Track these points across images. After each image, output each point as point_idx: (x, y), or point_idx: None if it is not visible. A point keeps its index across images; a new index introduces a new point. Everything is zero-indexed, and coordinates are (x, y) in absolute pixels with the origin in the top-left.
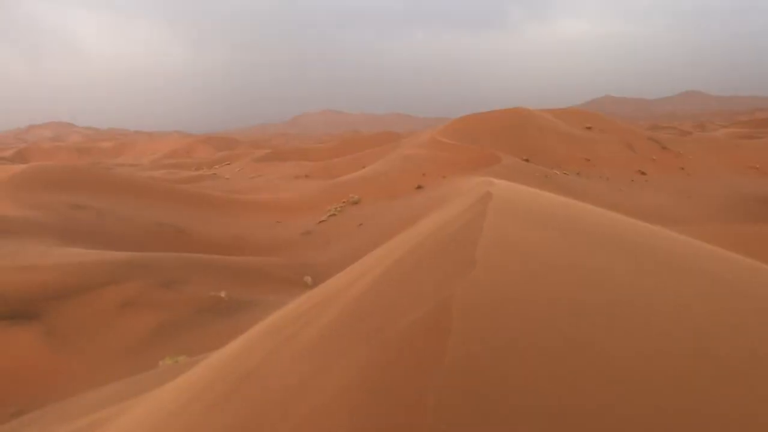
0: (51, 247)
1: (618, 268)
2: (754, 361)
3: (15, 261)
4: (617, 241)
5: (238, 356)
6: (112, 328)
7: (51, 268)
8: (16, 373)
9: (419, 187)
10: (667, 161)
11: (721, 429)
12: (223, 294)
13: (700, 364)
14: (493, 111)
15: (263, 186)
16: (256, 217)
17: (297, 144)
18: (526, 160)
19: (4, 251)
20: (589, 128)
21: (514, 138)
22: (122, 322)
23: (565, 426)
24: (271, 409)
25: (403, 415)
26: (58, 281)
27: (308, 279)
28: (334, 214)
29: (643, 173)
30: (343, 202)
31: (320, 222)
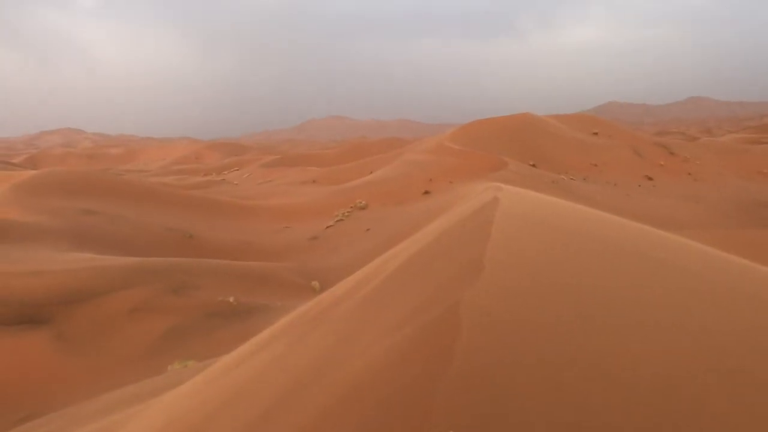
0: (61, 253)
1: (626, 275)
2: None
3: (26, 266)
4: (625, 248)
5: (245, 359)
6: (122, 333)
7: (61, 274)
8: (27, 378)
9: (426, 193)
10: (675, 166)
11: None
12: (231, 299)
13: (712, 378)
14: (500, 117)
15: (271, 191)
16: (264, 223)
17: (304, 150)
18: (533, 166)
19: (15, 256)
20: (595, 134)
21: (521, 143)
22: (132, 327)
23: None
24: (277, 409)
25: (411, 418)
26: (68, 286)
27: (316, 284)
28: (342, 220)
29: (650, 178)
30: (351, 207)
31: (328, 227)
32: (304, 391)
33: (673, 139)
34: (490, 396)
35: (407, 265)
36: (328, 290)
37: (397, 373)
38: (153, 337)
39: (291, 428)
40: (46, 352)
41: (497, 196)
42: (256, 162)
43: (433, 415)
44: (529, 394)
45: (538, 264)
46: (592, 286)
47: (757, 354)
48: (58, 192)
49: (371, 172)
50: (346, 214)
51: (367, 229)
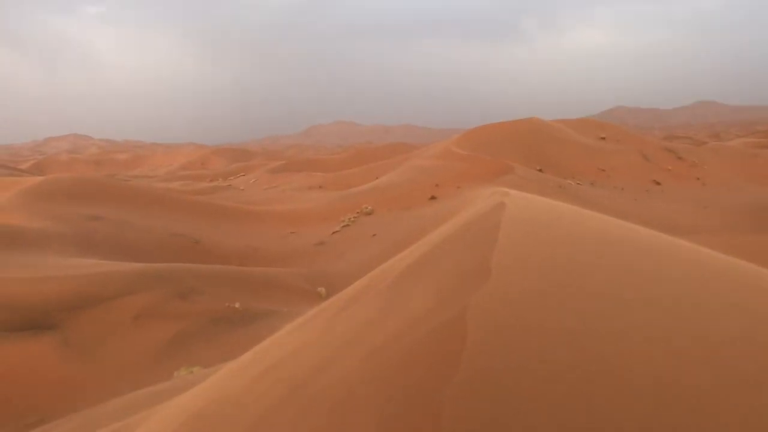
0: (68, 258)
1: (633, 280)
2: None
3: (32, 272)
4: (633, 253)
5: (255, 361)
6: (128, 338)
7: (68, 279)
8: (34, 384)
9: (433, 198)
10: (683, 171)
11: None
12: (237, 305)
13: (719, 383)
14: (506, 122)
15: (277, 197)
16: (270, 228)
17: (310, 155)
18: (540, 171)
19: (21, 262)
20: (603, 138)
21: (528, 148)
22: (138, 333)
23: None
24: (283, 413)
25: (418, 425)
26: (74, 292)
27: (322, 290)
28: (348, 225)
29: (658, 183)
30: (357, 212)
31: (334, 233)
32: (306, 397)
33: (681, 144)
34: (497, 402)
35: (413, 270)
36: (334, 296)
37: (404, 378)
38: (159, 343)
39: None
40: (52, 358)
41: (504, 200)
42: (262, 167)
43: (439, 422)
44: (536, 400)
45: (545, 269)
46: (599, 291)
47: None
48: (65, 198)
49: (377, 178)
50: (353, 219)
51: (374, 235)
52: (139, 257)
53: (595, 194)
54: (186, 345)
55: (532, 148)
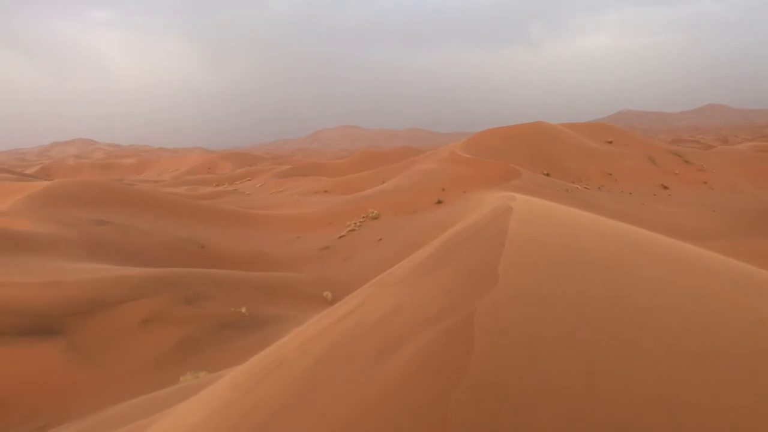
0: (75, 263)
1: (640, 285)
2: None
3: (39, 277)
4: (641, 258)
5: (263, 365)
6: (135, 343)
7: (74, 284)
8: (41, 388)
9: (439, 202)
10: (690, 175)
11: None
12: (243, 309)
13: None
14: (513, 125)
15: (283, 201)
16: (277, 233)
17: (316, 159)
18: (547, 175)
19: (28, 267)
20: (610, 142)
21: (535, 152)
22: (144, 338)
23: None
24: (286, 418)
25: (425, 429)
26: (81, 297)
27: (328, 294)
28: (354, 229)
29: (665, 187)
30: (363, 217)
31: (340, 237)
32: (316, 401)
33: (689, 148)
34: (503, 407)
35: (420, 274)
36: (341, 300)
37: (411, 383)
38: (165, 348)
39: None
40: (58, 363)
41: (511, 205)
42: (268, 172)
43: (446, 426)
44: (542, 405)
45: (552, 274)
46: (606, 296)
47: None
48: (71, 202)
49: (383, 182)
50: (359, 223)
51: (380, 239)
52: (146, 262)
53: (602, 198)
54: (193, 350)
55: (539, 152)
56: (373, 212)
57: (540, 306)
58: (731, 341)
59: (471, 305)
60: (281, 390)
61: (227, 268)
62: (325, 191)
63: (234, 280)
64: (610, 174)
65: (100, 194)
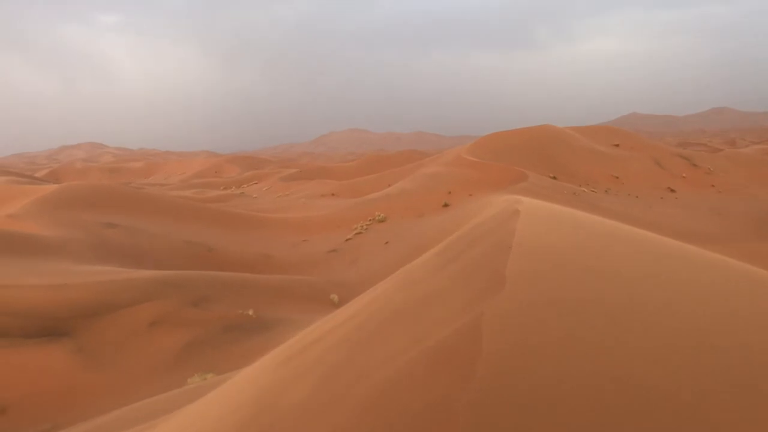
0: (83, 266)
1: (650, 288)
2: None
3: (47, 279)
4: (649, 261)
5: (270, 369)
6: (142, 346)
7: (82, 287)
8: (49, 391)
9: (446, 205)
10: (698, 178)
11: None
12: (250, 312)
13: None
14: (519, 129)
15: (290, 205)
16: (284, 236)
17: (322, 163)
18: (554, 178)
19: (36, 270)
20: (616, 145)
21: (541, 156)
22: (152, 340)
23: None
24: (293, 421)
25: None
26: (89, 299)
27: (335, 297)
28: (361, 232)
29: (672, 190)
30: (370, 220)
31: (347, 240)
32: (322, 404)
33: (696, 151)
34: (513, 409)
35: (428, 278)
36: (348, 303)
37: (419, 387)
38: (173, 350)
39: None
40: (66, 365)
41: (518, 208)
42: (275, 175)
43: (456, 429)
44: (551, 408)
45: (559, 277)
46: (615, 299)
47: None
48: (80, 206)
49: (390, 185)
50: (365, 226)
51: (386, 242)
52: (153, 265)
53: (609, 202)
54: (200, 352)
55: (546, 156)
56: (379, 215)
57: (548, 309)
58: (745, 341)
59: (478, 308)
60: (297, 384)
61: (235, 271)
62: (332, 194)
63: (241, 282)
64: (617, 177)
65: (108, 197)
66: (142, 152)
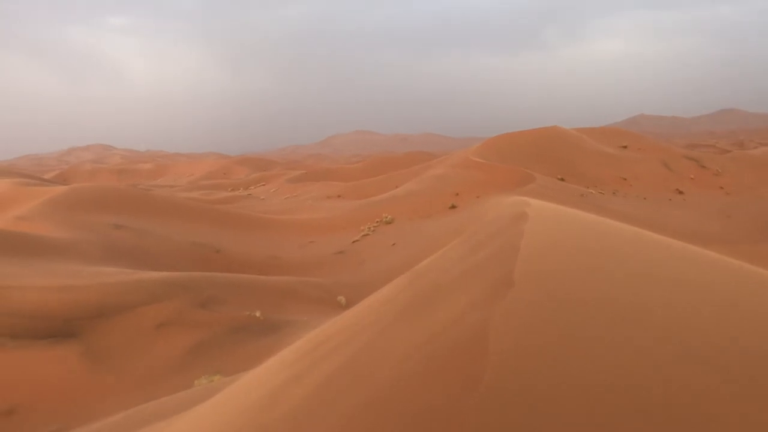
0: (91, 267)
1: (657, 291)
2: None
3: (56, 280)
4: (657, 263)
5: (277, 370)
6: (150, 347)
7: (90, 288)
8: (56, 392)
9: (453, 207)
10: (706, 180)
11: None
12: (258, 313)
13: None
14: (527, 130)
15: (297, 206)
16: (291, 237)
17: (329, 164)
18: (561, 180)
19: (45, 270)
20: (624, 147)
21: (549, 157)
22: (159, 342)
23: None
24: (300, 420)
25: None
26: (96, 301)
27: (342, 299)
28: (368, 234)
29: (680, 192)
30: (377, 221)
31: (354, 242)
32: (328, 404)
33: (704, 152)
34: (520, 413)
35: (435, 280)
36: (355, 305)
37: (425, 390)
38: (180, 352)
39: None
40: (74, 366)
41: (525, 210)
42: (282, 177)
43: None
44: (559, 411)
45: (567, 279)
46: (622, 300)
47: None
48: (88, 207)
49: (397, 187)
50: (372, 228)
51: (393, 244)
52: (161, 266)
53: (617, 203)
54: (207, 354)
55: (553, 157)
56: (386, 217)
57: (556, 311)
58: (752, 338)
59: (487, 311)
60: (301, 388)
61: (242, 272)
62: (339, 196)
63: (248, 284)
64: (625, 179)
65: (117, 199)
66: (150, 154)
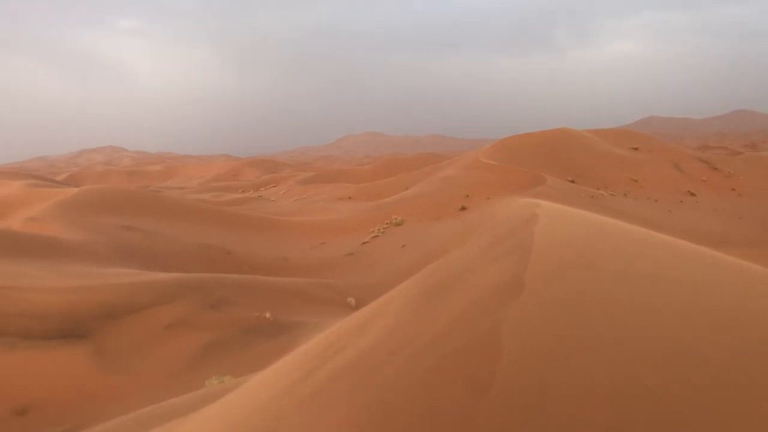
0: (101, 268)
1: (667, 291)
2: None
3: (66, 281)
4: (667, 264)
5: (287, 371)
6: (160, 348)
7: (101, 289)
8: (66, 392)
9: (463, 209)
10: (718, 182)
11: None
12: (268, 315)
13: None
14: (537, 132)
15: (307, 208)
16: (301, 239)
17: (339, 166)
18: (572, 181)
19: (55, 271)
20: (635, 149)
21: (559, 159)
22: (169, 343)
23: None
24: (305, 421)
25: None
26: (107, 301)
27: (351, 300)
28: (378, 236)
29: (692, 194)
30: (387, 223)
31: (364, 243)
32: (337, 406)
33: (716, 154)
34: (532, 416)
35: (446, 282)
36: (365, 307)
37: (437, 392)
38: (190, 353)
39: None
40: (84, 367)
41: (536, 212)
42: (293, 178)
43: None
44: (571, 414)
45: (578, 281)
46: (633, 302)
47: None
48: (99, 209)
49: (407, 188)
50: (382, 230)
51: (403, 245)
52: (172, 267)
53: (627, 205)
54: (217, 355)
55: (564, 159)
56: (396, 218)
57: (567, 313)
58: (757, 339)
59: (498, 313)
60: (307, 389)
61: (252, 274)
62: (349, 198)
63: (258, 285)
64: (636, 181)
65: (128, 201)
66: (160, 156)
